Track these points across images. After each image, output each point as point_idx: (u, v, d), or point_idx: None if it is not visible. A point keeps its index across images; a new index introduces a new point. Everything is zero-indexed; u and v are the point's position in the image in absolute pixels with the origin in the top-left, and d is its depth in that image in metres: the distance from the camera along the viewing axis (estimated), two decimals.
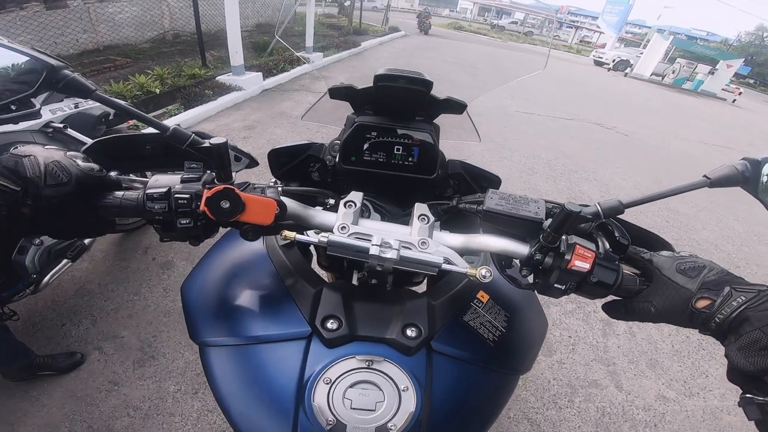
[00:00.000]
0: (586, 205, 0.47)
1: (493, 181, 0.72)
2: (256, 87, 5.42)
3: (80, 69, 4.97)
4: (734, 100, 16.52)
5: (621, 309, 0.50)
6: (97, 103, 1.98)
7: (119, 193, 0.47)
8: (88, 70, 5.11)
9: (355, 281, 0.56)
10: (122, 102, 0.48)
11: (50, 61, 0.46)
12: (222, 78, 5.23)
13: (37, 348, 1.57)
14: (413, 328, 0.52)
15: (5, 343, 1.44)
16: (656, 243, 0.56)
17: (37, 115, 1.66)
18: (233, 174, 0.47)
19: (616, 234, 0.50)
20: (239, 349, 0.54)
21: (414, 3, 44.24)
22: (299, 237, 0.48)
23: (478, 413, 0.56)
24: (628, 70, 17.68)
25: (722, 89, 17.14)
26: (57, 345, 1.70)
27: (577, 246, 0.45)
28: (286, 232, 0.48)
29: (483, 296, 0.61)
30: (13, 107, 1.68)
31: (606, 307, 0.52)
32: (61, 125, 1.73)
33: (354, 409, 0.47)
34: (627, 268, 0.50)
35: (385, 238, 0.48)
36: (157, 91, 4.46)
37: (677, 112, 10.49)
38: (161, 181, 0.46)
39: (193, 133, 0.46)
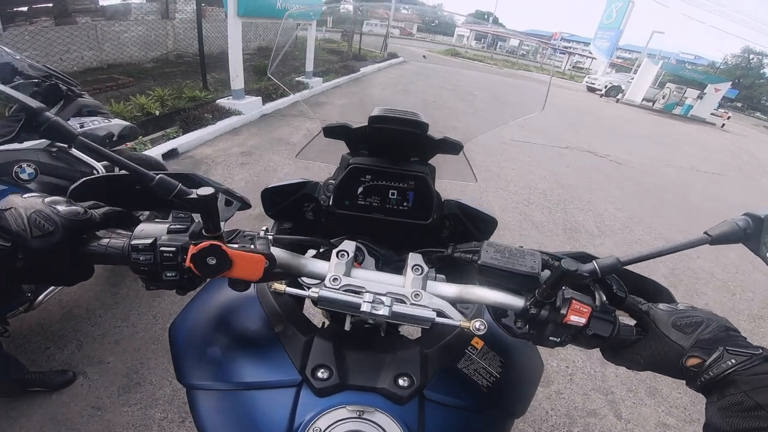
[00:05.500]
0: (588, 256, 0.47)
1: (490, 223, 0.72)
2: (255, 111, 5.48)
3: (83, 87, 5.02)
4: (723, 124, 16.86)
5: (611, 354, 0.50)
6: (102, 124, 1.99)
7: (105, 241, 0.46)
8: (90, 88, 5.16)
9: (348, 326, 0.56)
10: (106, 150, 0.46)
11: (30, 104, 0.45)
12: (222, 101, 5.29)
13: None
14: (405, 378, 0.51)
15: None
16: (655, 291, 0.56)
17: None
18: (222, 225, 0.46)
19: (614, 287, 0.50)
20: (228, 394, 0.53)
21: (413, 30, 45.53)
22: (289, 290, 0.47)
23: None
24: (619, 96, 18.07)
25: (711, 114, 17.48)
26: (40, 368, 1.66)
27: (573, 301, 0.45)
28: (276, 285, 0.47)
29: (477, 343, 0.60)
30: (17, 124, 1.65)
31: (602, 349, 0.52)
32: (66, 145, 1.70)
33: None
34: (623, 316, 0.50)
35: (378, 290, 0.48)
36: (157, 112, 4.50)
37: (669, 139, 10.70)
38: (147, 231, 0.45)
39: (179, 183, 0.45)
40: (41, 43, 5.28)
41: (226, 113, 5.05)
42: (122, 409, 1.59)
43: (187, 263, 0.43)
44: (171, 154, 3.91)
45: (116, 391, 1.64)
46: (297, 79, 7.50)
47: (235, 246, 0.46)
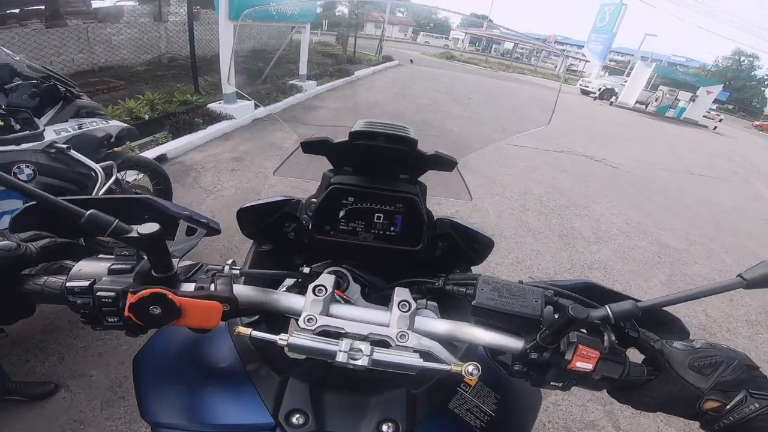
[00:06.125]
0: (593, 285, 0.44)
1: (485, 244, 0.66)
2: (247, 116, 5.40)
3: None
4: (715, 127, 17.06)
5: (619, 394, 0.47)
6: (100, 125, 2.00)
7: (41, 279, 0.41)
8: (81, 91, 5.09)
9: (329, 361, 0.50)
10: (18, 182, 0.38)
11: None
12: (213, 105, 5.21)
13: None
14: (390, 423, 0.47)
15: None
16: (666, 321, 0.52)
17: (40, 136, 1.71)
18: (176, 263, 0.41)
19: (626, 327, 0.46)
20: None
21: (408, 33, 45.68)
22: (255, 334, 0.42)
23: None
24: (613, 98, 18.18)
25: (703, 116, 17.66)
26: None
27: (580, 346, 0.41)
28: (240, 329, 0.42)
29: (471, 380, 0.55)
30: (17, 126, 1.67)
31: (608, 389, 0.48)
32: (65, 146, 1.75)
33: None
34: (632, 350, 0.46)
35: (359, 331, 0.43)
36: (146, 117, 4.43)
37: (662, 142, 10.77)
38: (85, 271, 0.40)
39: (116, 219, 0.37)
40: (31, 46, 5.22)
41: (217, 117, 4.97)
42: (105, 423, 1.54)
43: (126, 313, 0.38)
44: (160, 160, 3.82)
45: (99, 404, 1.60)
46: (291, 82, 7.43)
47: (189, 289, 0.40)
